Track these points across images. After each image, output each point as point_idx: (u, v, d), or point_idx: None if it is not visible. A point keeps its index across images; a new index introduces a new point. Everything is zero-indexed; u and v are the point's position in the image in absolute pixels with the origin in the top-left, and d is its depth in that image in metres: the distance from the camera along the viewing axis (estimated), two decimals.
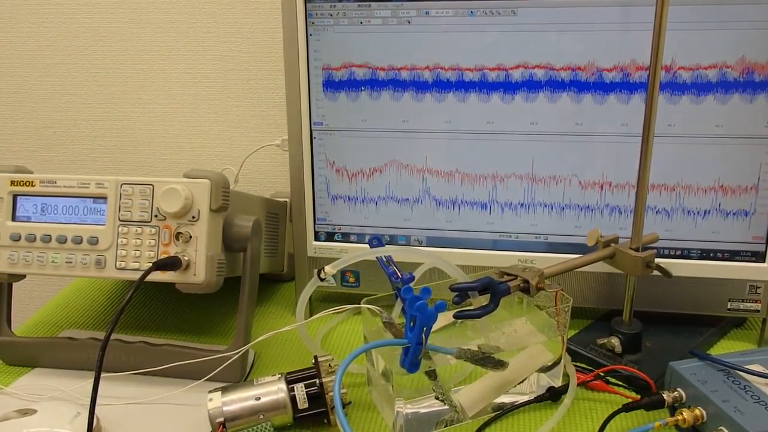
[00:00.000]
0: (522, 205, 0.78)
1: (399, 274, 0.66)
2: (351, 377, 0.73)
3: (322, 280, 0.64)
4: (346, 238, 0.82)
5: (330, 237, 0.82)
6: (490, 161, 0.77)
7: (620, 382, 0.70)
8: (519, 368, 0.67)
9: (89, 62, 1.03)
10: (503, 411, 0.66)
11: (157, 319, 0.86)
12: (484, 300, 0.63)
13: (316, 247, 0.82)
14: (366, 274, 0.82)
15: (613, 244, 0.72)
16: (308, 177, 0.80)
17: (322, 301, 0.89)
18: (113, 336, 0.74)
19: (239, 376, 0.71)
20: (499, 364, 0.65)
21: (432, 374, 0.64)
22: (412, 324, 0.58)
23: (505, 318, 0.71)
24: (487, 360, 0.64)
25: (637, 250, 0.70)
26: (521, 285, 0.64)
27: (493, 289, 0.62)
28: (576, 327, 0.81)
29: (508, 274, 0.66)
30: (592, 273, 0.78)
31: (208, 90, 1.02)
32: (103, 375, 0.68)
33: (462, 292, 0.63)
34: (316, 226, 0.82)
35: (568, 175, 0.76)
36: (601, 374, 0.70)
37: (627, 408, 0.62)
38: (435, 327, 0.59)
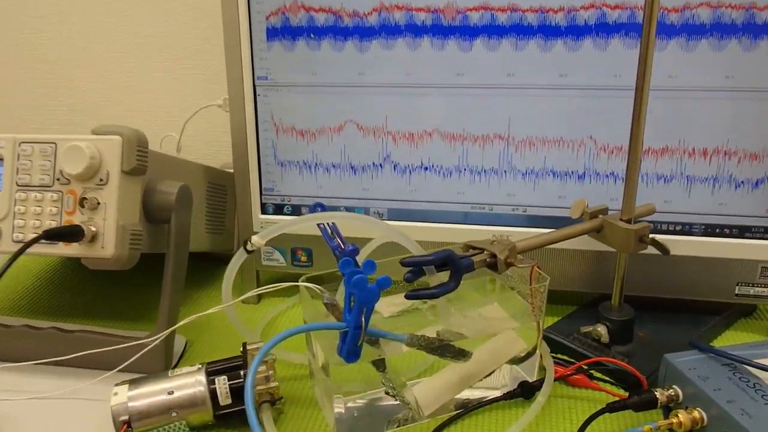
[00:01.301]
0: (497, 171, 0.67)
1: (343, 246, 0.56)
2: (293, 369, 0.63)
3: (249, 251, 0.54)
4: (296, 210, 0.72)
5: (279, 209, 0.72)
6: (459, 120, 0.66)
7: (606, 378, 0.60)
8: (486, 359, 0.57)
9: (28, 26, 0.94)
10: (466, 409, 0.56)
11: (85, 305, 0.77)
12: (444, 277, 0.52)
13: (263, 222, 0.72)
14: (320, 252, 0.72)
15: (601, 216, 0.61)
16: (252, 140, 0.70)
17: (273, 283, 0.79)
18: (21, 322, 0.64)
19: (162, 366, 0.61)
20: (461, 354, 0.55)
21: (380, 365, 0.54)
22: (351, 304, 0.48)
23: (476, 302, 0.61)
24: (445, 349, 0.54)
25: (629, 222, 0.59)
26: (488, 260, 0.54)
27: (453, 265, 0.52)
28: (558, 314, 0.70)
29: (474, 248, 0.55)
30: (577, 251, 0.68)
31: (151, 50, 0.92)
32: (5, 365, 0.59)
33: (416, 268, 0.52)
34: (262, 197, 0.72)
35: (551, 136, 0.65)
36: (584, 367, 0.60)
37: (612, 408, 0.52)
38: (393, 310, 0.49)
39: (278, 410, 0.57)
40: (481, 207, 0.69)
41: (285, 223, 0.53)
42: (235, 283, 0.79)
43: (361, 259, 0.57)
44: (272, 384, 0.54)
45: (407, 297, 0.52)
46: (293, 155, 0.70)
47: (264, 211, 0.72)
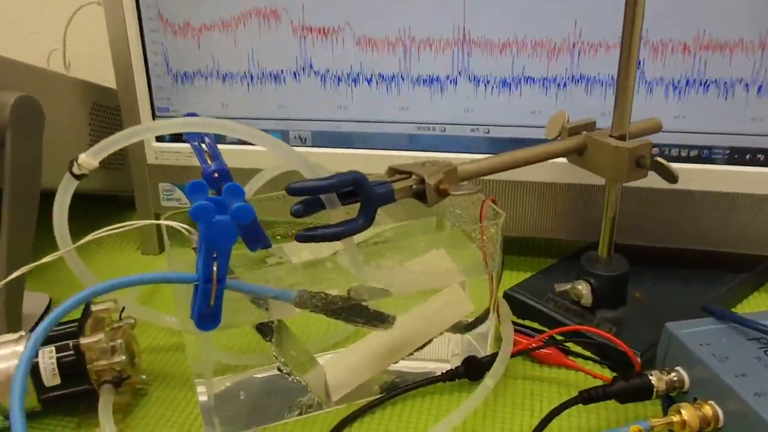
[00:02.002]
0: (450, 79, 0.51)
1: (209, 162, 0.40)
2: (173, 336, 0.48)
3: (77, 176, 0.38)
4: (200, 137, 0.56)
5: (177, 136, 0.57)
6: (397, 12, 0.49)
7: (587, 353, 0.44)
8: (419, 326, 0.41)
9: None
10: (389, 393, 0.41)
11: None
12: (353, 212, 0.37)
13: (157, 151, 0.57)
14: None
15: (585, 132, 0.45)
16: (136, 45, 0.54)
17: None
18: None
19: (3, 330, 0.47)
20: (377, 319, 0.40)
21: (267, 332, 0.39)
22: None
23: (417, 249, 0.45)
24: (354, 311, 0.39)
25: (621, 139, 0.43)
26: (414, 187, 0.38)
27: (363, 193, 0.36)
28: (530, 269, 0.54)
29: (400, 172, 0.40)
30: (554, 185, 0.51)
31: None
32: None
33: (309, 197, 0.37)
34: (155, 119, 0.57)
35: (519, 30, 0.48)
36: (556, 338, 0.44)
37: (588, 397, 0.36)
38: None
39: (135, 392, 0.42)
40: (430, 127, 0.52)
41: (125, 135, 0.38)
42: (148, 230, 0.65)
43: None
44: (116, 359, 0.39)
45: (298, 238, 0.36)
46: (189, 63, 0.54)
47: (159, 139, 0.57)
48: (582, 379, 0.42)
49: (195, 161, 0.44)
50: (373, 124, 0.53)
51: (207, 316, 0.34)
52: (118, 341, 0.40)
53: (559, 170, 0.50)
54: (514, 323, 0.45)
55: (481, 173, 0.41)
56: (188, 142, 0.42)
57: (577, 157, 0.45)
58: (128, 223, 0.39)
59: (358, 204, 0.37)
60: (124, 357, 0.39)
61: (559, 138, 0.45)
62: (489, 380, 0.39)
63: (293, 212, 0.36)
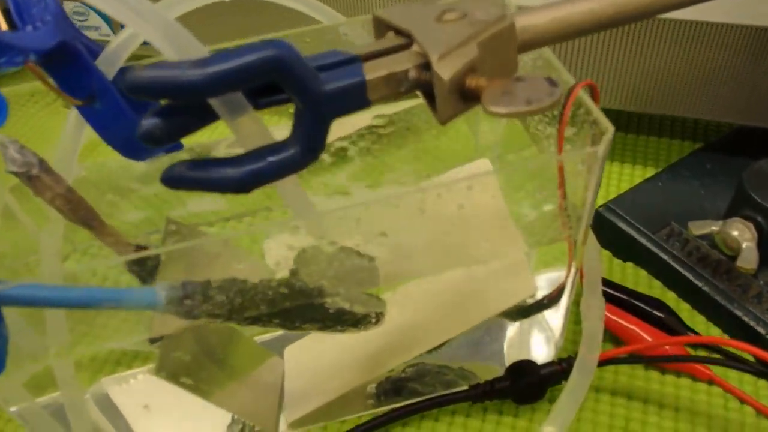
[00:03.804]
0: None
1: None
2: None
3: None
4: None
5: None
6: None
7: (741, 353, 0.25)
8: (440, 313, 0.24)
9: None
10: (380, 420, 0.25)
11: None
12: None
13: None
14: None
15: None
16: None
17: None
18: None
19: None
20: (346, 321, 0.22)
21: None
22: None
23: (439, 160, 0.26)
24: (298, 314, 0.21)
25: None
26: (410, 73, 0.17)
27: (300, 94, 0.16)
28: (641, 164, 0.33)
29: (397, 32, 0.18)
30: (708, 25, 0.28)
31: None
32: None
33: (174, 98, 0.17)
34: None
35: None
36: (692, 351, 0.25)
37: None
38: None
39: None
40: None
41: None
42: None
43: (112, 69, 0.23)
44: None
45: (163, 180, 0.18)
46: None
47: None
48: (735, 409, 0.24)
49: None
50: None
51: None
52: None
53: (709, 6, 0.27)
54: (612, 286, 0.26)
55: (564, 32, 0.19)
56: None
57: None
58: None
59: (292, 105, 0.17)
60: None
61: None
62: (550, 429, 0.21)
63: (142, 135, 0.17)
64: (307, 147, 0.18)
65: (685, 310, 0.27)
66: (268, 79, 0.16)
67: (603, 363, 0.23)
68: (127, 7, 0.18)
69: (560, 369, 0.23)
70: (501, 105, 0.15)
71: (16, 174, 0.22)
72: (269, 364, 0.24)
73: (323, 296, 0.20)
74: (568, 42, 0.30)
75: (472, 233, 0.19)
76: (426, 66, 0.17)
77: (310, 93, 0.17)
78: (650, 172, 0.33)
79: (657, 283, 0.28)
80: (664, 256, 0.28)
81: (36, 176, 0.22)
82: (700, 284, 0.26)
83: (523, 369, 0.24)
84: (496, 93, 0.15)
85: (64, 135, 0.24)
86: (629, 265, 0.29)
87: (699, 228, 0.26)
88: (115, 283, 0.19)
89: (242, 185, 0.17)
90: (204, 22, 0.23)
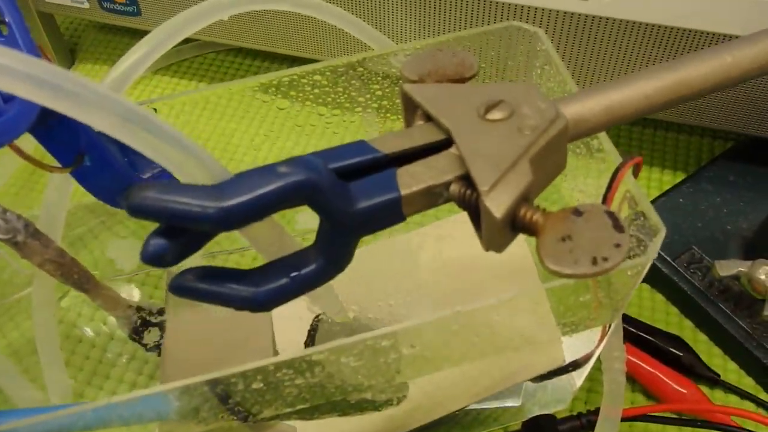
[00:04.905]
0: None
1: None
2: None
3: None
4: None
5: None
6: None
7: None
8: (462, 383, 0.23)
9: None
10: None
11: None
12: None
13: None
14: None
15: None
16: None
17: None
18: None
19: None
20: (373, 408, 0.21)
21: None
22: None
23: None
24: (318, 407, 0.20)
25: None
26: (453, 188, 0.15)
27: (328, 215, 0.14)
28: (669, 173, 0.32)
29: (431, 121, 0.16)
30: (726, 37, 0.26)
31: None
32: None
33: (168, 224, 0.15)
34: None
35: None
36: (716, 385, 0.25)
37: None
38: None
39: None
40: None
41: None
42: None
43: None
44: None
45: (170, 288, 0.16)
46: None
47: None
48: None
49: None
50: None
51: None
52: None
53: None
54: (629, 321, 0.26)
55: (616, 122, 0.17)
56: None
57: None
58: None
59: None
60: None
61: None
62: None
63: (148, 257, 0.15)
64: (332, 261, 0.16)
65: (702, 342, 0.27)
66: (295, 205, 0.14)
67: (631, 418, 0.23)
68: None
69: (579, 425, 0.23)
70: (564, 265, 0.13)
71: (1, 240, 0.20)
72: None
73: (347, 395, 0.19)
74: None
75: (507, 330, 0.18)
76: (469, 179, 0.15)
77: (340, 214, 0.15)
78: (679, 176, 0.31)
79: (674, 310, 0.28)
80: (684, 286, 0.27)
81: (22, 242, 0.20)
82: (720, 320, 0.26)
83: (541, 426, 0.23)
84: (554, 241, 0.13)
85: (47, 196, 0.22)
86: (645, 287, 0.29)
87: (725, 269, 0.25)
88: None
89: (261, 306, 0.16)
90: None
